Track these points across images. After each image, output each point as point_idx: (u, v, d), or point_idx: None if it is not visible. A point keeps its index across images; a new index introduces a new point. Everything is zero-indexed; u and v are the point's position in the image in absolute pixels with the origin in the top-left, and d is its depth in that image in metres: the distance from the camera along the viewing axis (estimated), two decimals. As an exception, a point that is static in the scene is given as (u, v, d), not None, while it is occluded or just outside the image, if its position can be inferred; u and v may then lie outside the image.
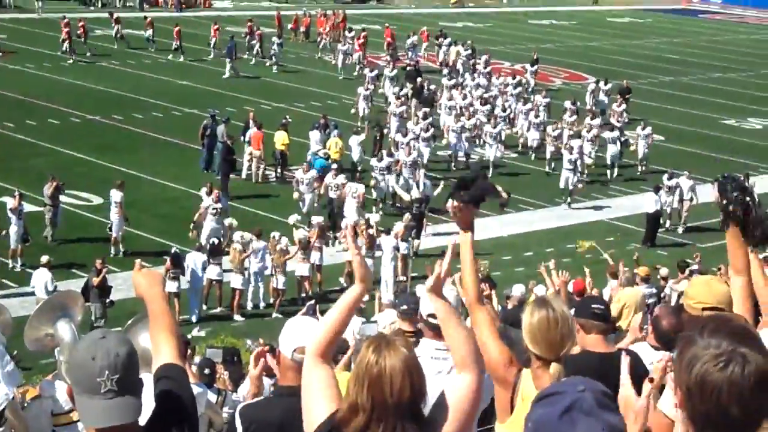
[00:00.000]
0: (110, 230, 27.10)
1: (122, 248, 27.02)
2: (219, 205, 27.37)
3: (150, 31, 54.98)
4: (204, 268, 24.38)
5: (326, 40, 59.03)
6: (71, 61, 50.60)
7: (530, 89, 49.04)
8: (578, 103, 42.97)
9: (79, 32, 52.72)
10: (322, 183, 29.98)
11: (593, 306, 7.11)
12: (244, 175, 34.08)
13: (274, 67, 52.38)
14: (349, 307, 4.60)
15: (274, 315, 24.49)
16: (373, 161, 32.44)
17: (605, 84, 46.86)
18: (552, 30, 78.83)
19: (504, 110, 41.35)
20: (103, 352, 3.82)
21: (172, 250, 24.86)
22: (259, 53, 54.20)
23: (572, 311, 6.08)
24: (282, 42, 54.36)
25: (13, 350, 8.66)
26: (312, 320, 6.23)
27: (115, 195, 26.97)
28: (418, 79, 45.41)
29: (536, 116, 40.11)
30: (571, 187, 33.87)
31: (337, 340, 4.63)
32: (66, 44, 51.48)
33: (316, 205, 30.15)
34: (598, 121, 40.01)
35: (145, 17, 57.41)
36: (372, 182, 32.00)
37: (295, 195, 30.08)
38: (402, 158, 32.78)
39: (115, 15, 57.22)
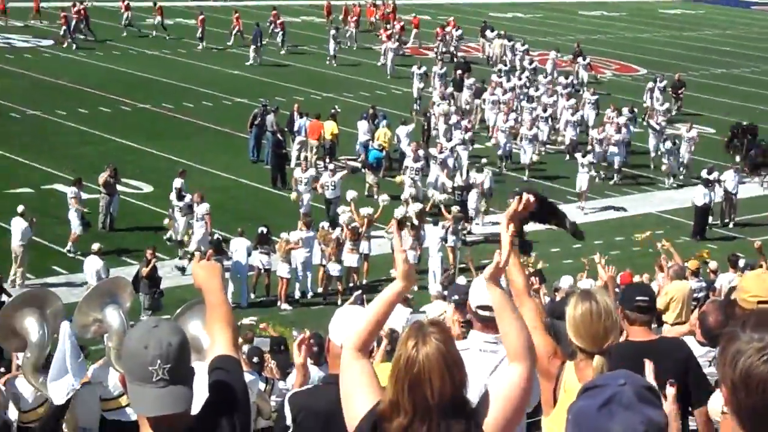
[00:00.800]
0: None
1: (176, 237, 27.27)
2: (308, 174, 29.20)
3: (158, 18, 55.34)
4: (249, 254, 24.47)
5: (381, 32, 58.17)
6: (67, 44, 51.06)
7: (582, 83, 48.65)
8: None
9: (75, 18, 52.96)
10: (318, 182, 29.51)
11: (638, 299, 7.06)
12: (293, 165, 34.14)
13: (334, 61, 51.76)
14: (388, 302, 4.59)
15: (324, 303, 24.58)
16: (408, 161, 31.75)
17: (660, 81, 45.87)
18: (602, 21, 78.37)
19: (545, 110, 39.80)
20: (156, 341, 3.85)
21: (214, 237, 25.01)
22: (282, 42, 53.86)
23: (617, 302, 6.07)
24: (337, 35, 53.84)
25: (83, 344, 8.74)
26: (361, 310, 6.26)
27: (177, 183, 27.27)
28: (461, 78, 44.37)
29: (573, 113, 39.10)
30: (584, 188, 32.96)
31: (375, 335, 4.65)
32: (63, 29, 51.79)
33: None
34: (623, 119, 38.24)
35: (155, 3, 57.47)
36: (398, 179, 31.78)
37: (293, 195, 29.35)
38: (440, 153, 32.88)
39: (158, 4, 57.30)
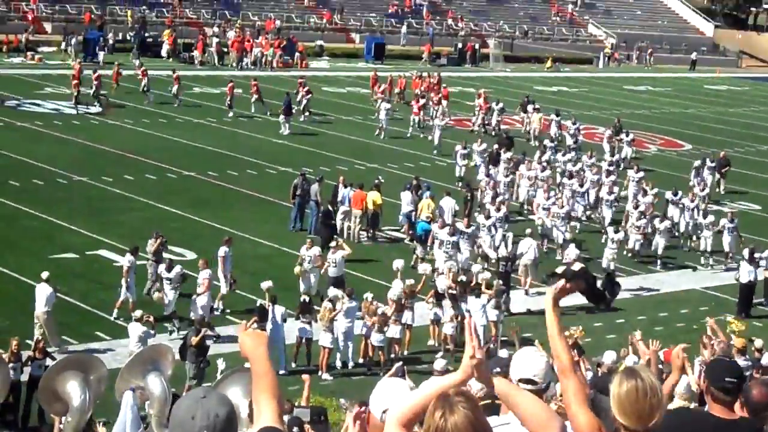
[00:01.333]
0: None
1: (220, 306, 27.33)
2: (312, 253, 28.38)
3: (175, 87, 55.54)
4: (284, 320, 24.42)
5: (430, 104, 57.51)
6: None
7: (626, 158, 48.13)
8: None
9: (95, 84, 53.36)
10: (324, 260, 28.81)
11: (727, 379, 6.97)
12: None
13: (382, 134, 51.44)
14: (444, 388, 4.57)
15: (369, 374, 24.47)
16: (442, 233, 31.17)
17: (711, 161, 45.19)
18: (648, 96, 78.39)
19: (581, 185, 38.85)
20: (203, 412, 3.85)
21: (258, 303, 25.00)
22: (307, 110, 53.51)
23: (703, 374, 6.02)
24: (390, 108, 53.83)
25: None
26: (403, 382, 6.22)
27: (221, 251, 27.40)
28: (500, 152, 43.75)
29: (610, 192, 38.43)
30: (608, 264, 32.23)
31: (422, 415, 4.63)
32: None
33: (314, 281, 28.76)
34: (650, 198, 37.80)
35: (173, 71, 57.99)
36: (432, 252, 31.47)
37: (297, 269, 28.49)
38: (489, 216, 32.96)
39: (177, 73, 57.70)
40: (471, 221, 33.26)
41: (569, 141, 48.30)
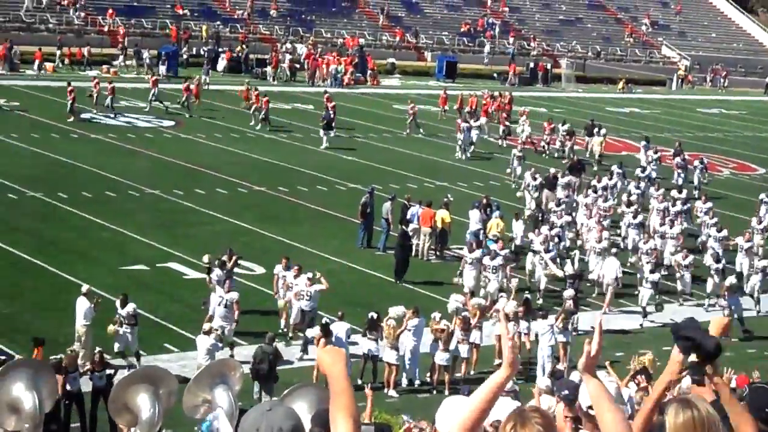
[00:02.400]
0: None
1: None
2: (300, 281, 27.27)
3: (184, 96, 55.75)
4: (348, 336, 24.41)
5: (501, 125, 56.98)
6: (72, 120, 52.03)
7: (698, 187, 46.73)
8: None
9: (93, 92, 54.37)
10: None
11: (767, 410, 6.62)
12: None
13: (466, 154, 51.20)
14: (493, 390, 4.56)
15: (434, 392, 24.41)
16: (486, 260, 30.37)
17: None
18: (721, 119, 77.65)
19: (635, 216, 37.37)
20: (267, 425, 3.86)
21: (323, 321, 25.01)
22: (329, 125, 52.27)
23: (743, 403, 5.91)
24: (482, 128, 53.80)
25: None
26: (467, 399, 6.21)
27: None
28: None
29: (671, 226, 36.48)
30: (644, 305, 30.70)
31: (482, 422, 4.61)
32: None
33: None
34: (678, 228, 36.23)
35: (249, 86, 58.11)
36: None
37: (281, 303, 27.36)
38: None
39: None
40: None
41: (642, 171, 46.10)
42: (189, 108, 55.02)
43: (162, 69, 68.08)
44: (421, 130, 55.36)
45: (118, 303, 24.17)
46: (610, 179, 42.91)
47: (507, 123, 55.70)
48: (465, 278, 30.62)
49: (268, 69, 72.85)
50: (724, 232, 35.95)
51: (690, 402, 5.23)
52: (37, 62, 65.18)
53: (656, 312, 30.55)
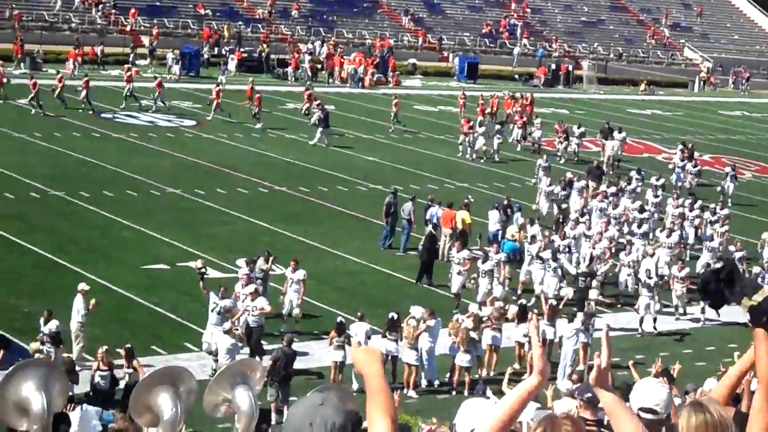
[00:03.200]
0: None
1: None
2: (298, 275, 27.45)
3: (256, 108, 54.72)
4: (369, 337, 24.41)
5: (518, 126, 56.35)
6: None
7: (726, 194, 45.57)
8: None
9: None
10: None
11: None
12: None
13: (496, 155, 50.97)
14: (523, 397, 4.56)
15: (454, 393, 24.40)
16: (479, 263, 30.10)
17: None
18: (743, 121, 77.38)
19: (639, 225, 36.18)
20: (321, 419, 3.88)
21: (338, 319, 25.03)
22: (319, 123, 51.63)
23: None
24: (503, 130, 52.92)
25: None
26: (487, 402, 6.20)
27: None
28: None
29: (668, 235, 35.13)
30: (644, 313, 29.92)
31: (508, 428, 4.60)
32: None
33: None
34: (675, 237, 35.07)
35: (251, 88, 58.14)
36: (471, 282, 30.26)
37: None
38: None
39: (309, 92, 58.19)
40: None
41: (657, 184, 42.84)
42: (218, 108, 54.89)
43: (176, 69, 68.12)
44: (403, 125, 55.00)
45: (42, 320, 22.81)
46: (629, 184, 42.42)
47: (523, 124, 55.31)
48: (480, 283, 29.95)
49: (289, 69, 72.89)
50: (716, 241, 35.23)
51: (703, 406, 5.23)
52: (71, 60, 65.38)
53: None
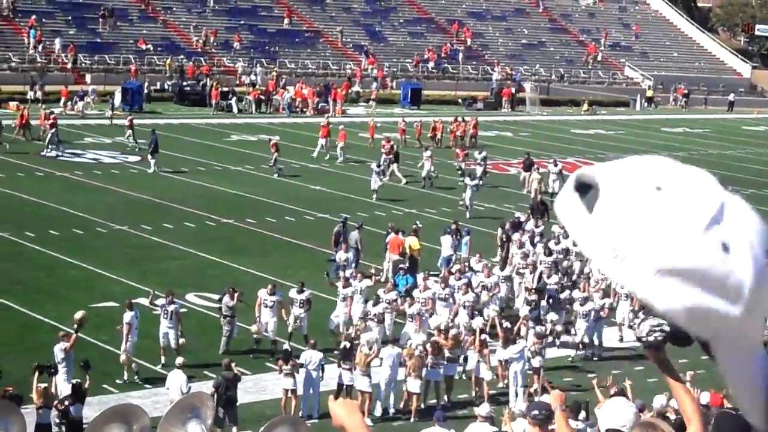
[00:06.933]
0: (265, 332, 27.64)
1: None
2: (274, 298, 27.77)
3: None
4: (322, 365, 24.33)
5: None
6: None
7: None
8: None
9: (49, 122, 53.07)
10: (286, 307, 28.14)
11: None
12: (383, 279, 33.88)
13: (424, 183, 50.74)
14: None
15: (412, 420, 24.34)
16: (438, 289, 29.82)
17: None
18: (685, 138, 78.15)
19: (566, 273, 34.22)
20: None
21: (284, 347, 24.95)
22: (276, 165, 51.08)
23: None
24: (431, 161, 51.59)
25: None
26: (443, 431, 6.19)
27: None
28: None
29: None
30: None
31: None
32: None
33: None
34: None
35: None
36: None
37: (254, 327, 27.74)
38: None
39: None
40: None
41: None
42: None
43: (116, 103, 67.44)
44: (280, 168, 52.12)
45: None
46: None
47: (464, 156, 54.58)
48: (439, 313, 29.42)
49: (233, 101, 72.80)
50: None
51: (654, 424, 5.24)
52: (63, 99, 65.51)
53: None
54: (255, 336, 27.66)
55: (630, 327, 29.79)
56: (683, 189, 1.75)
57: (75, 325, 24.25)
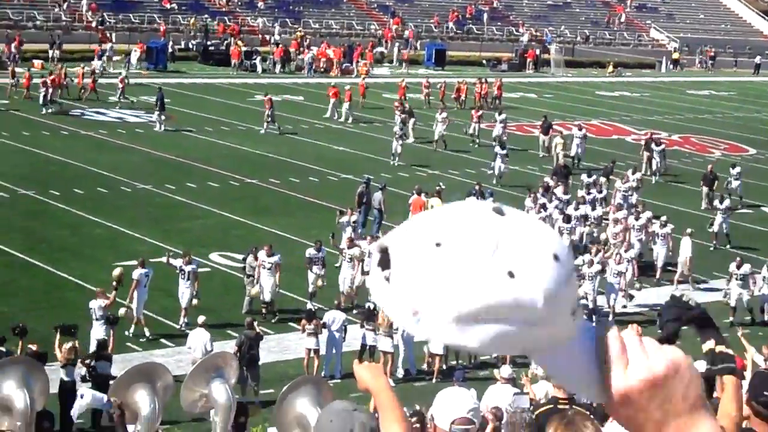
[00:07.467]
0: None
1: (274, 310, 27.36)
2: (273, 260, 27.59)
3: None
4: (344, 325, 24.42)
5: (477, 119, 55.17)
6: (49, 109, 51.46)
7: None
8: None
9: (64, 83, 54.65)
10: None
11: (766, 393, 6.19)
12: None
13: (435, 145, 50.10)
14: None
15: (434, 380, 24.39)
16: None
17: (733, 168, 43.57)
18: (711, 100, 77.64)
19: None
20: (360, 425, 3.98)
21: (307, 307, 25.02)
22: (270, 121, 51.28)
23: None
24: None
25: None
26: (465, 392, 6.17)
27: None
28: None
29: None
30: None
31: None
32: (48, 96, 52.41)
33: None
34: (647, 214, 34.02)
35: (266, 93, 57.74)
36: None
37: (254, 290, 27.80)
38: None
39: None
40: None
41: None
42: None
43: (133, 62, 67.65)
44: (277, 125, 52.14)
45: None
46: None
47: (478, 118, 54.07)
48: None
49: (257, 60, 72.70)
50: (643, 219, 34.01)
51: (574, 422, 5.21)
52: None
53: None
54: (249, 297, 27.57)
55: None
56: (459, 240, 1.86)
57: (114, 282, 24.39)
